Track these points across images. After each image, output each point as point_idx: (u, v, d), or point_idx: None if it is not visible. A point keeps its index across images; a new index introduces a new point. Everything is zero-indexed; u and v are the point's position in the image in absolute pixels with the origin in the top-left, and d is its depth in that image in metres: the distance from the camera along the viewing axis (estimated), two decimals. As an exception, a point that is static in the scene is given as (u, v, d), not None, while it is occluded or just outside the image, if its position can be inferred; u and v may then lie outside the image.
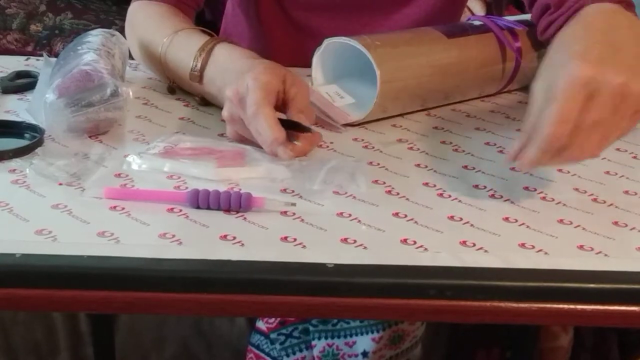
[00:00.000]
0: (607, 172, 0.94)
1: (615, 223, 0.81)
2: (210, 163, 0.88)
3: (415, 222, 0.79)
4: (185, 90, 1.10)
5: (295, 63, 1.24)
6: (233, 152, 0.91)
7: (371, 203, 0.83)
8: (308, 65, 1.09)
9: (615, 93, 0.77)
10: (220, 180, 0.85)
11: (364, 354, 1.18)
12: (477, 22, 1.17)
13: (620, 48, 0.80)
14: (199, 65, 1.02)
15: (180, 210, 0.79)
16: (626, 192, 0.89)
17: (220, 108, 0.96)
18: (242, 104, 0.91)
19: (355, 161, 0.92)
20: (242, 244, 0.73)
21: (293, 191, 0.84)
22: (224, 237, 0.74)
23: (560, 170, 0.93)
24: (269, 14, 1.29)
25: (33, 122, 0.96)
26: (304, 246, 0.74)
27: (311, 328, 1.19)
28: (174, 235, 0.74)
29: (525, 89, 1.05)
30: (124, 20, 1.21)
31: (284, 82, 0.94)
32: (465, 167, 0.92)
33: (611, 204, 0.85)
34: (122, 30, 1.17)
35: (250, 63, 0.96)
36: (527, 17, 1.26)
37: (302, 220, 0.79)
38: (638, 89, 0.78)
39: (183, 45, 1.06)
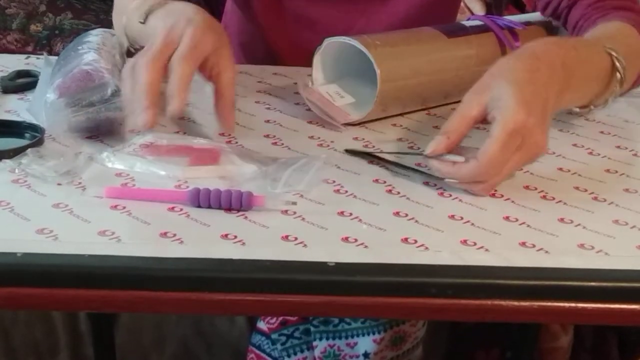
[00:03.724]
0: (608, 170, 0.94)
1: (616, 221, 0.81)
2: (181, 162, 0.87)
3: (416, 221, 0.79)
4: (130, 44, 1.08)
5: (294, 54, 1.23)
6: (208, 151, 0.90)
7: (372, 202, 0.83)
8: (307, 56, 1.08)
9: (535, 146, 0.84)
10: (188, 179, 0.85)
11: (365, 355, 1.18)
12: (477, 22, 1.17)
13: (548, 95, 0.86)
14: (147, 6, 1.00)
15: (181, 209, 0.79)
16: (626, 190, 0.89)
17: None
18: (171, 44, 0.90)
19: (319, 161, 0.90)
20: (243, 243, 0.73)
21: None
22: (225, 236, 0.74)
23: (560, 169, 0.93)
24: (265, 6, 1.29)
25: (33, 121, 0.96)
26: (304, 245, 0.74)
27: (312, 329, 1.19)
28: (174, 235, 0.74)
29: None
30: (124, 20, 1.21)
31: (215, 50, 0.93)
32: (466, 166, 0.92)
33: (612, 202, 0.85)
34: (122, 30, 1.17)
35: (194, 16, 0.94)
36: (527, 16, 1.26)
37: (303, 219, 0.79)
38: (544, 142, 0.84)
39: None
